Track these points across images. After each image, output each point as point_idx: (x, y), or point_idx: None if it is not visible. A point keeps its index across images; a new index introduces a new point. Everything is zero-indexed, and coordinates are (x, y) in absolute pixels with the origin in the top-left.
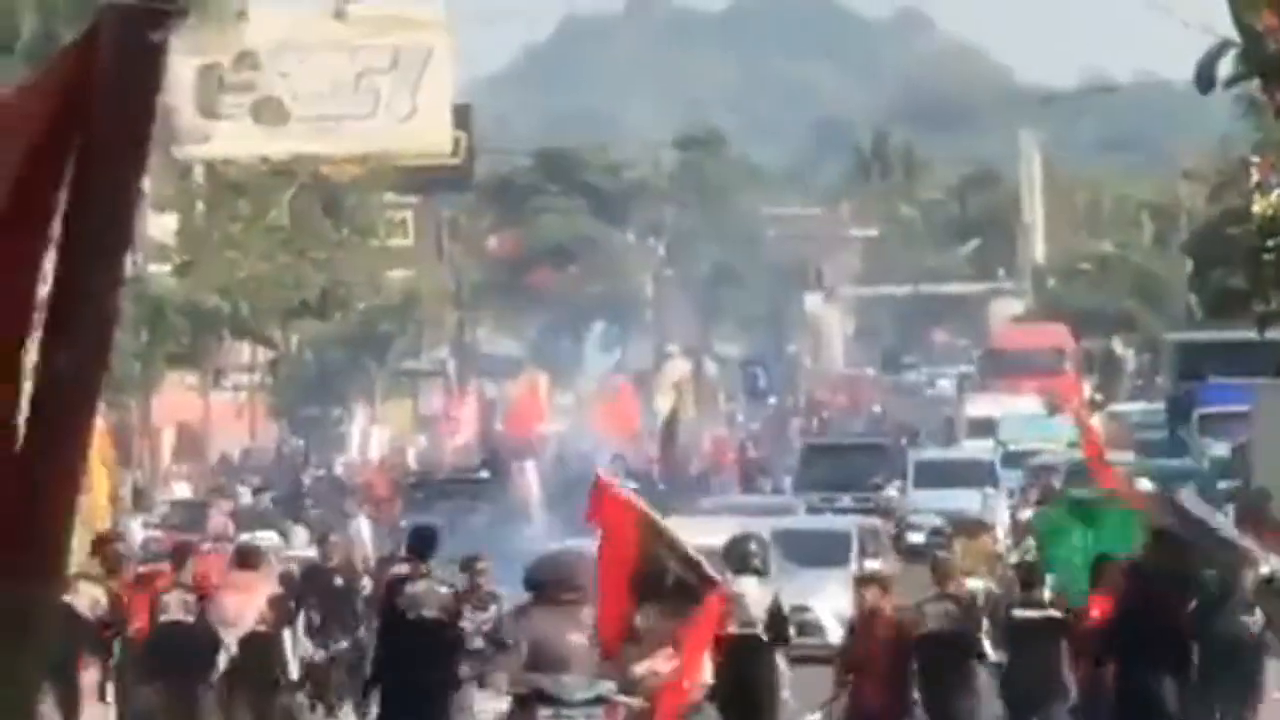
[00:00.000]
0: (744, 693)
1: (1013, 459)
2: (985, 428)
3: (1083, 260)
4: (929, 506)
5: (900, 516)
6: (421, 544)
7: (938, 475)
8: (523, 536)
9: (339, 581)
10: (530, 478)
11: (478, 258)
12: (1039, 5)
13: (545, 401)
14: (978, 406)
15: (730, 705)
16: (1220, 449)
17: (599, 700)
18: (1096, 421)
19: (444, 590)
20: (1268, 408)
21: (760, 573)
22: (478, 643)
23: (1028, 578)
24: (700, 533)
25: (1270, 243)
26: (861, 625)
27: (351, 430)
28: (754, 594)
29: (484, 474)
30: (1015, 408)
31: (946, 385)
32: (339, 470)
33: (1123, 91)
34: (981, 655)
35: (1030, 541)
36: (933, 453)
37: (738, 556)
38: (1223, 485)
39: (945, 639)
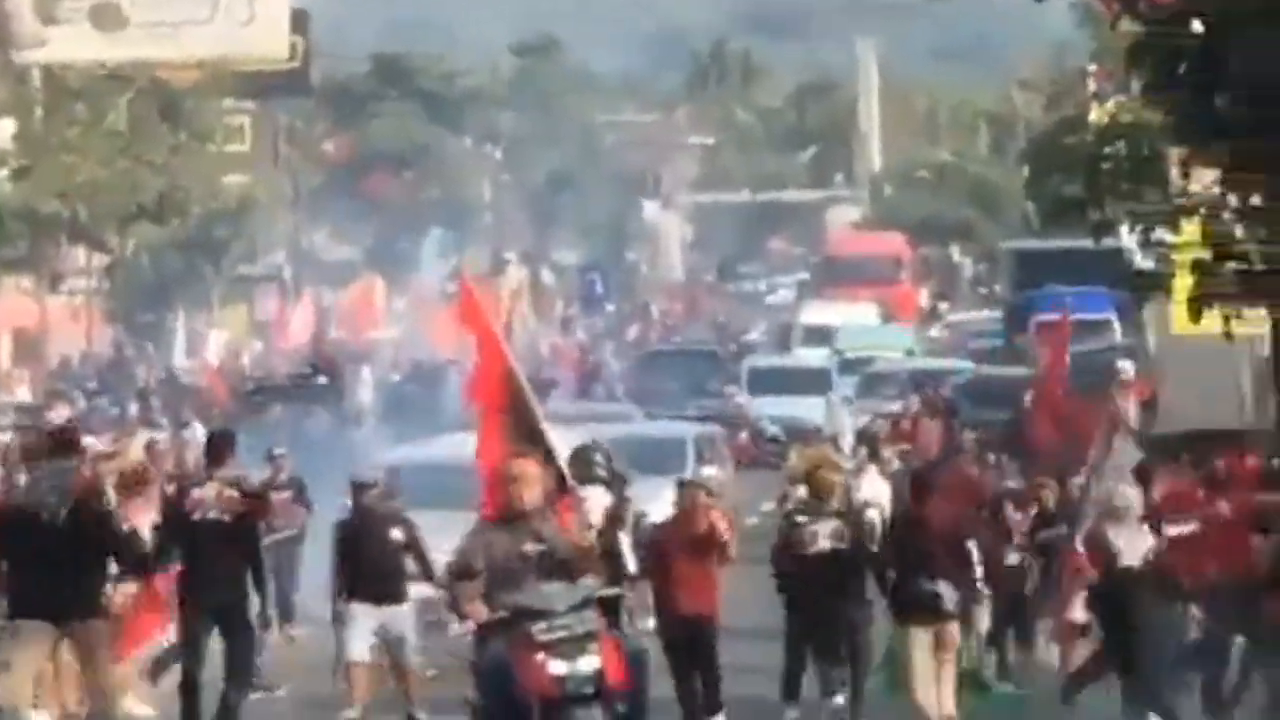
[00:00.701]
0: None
1: (850, 366)
2: (821, 335)
3: (920, 168)
4: (769, 414)
5: (754, 423)
6: (215, 448)
7: (773, 382)
8: (356, 441)
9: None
10: (365, 382)
11: (314, 163)
12: None
13: (381, 307)
14: (812, 314)
15: None
16: None
17: (587, 602)
18: (936, 332)
19: (234, 494)
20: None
21: (606, 483)
22: None
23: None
24: None
25: (1106, 150)
26: (675, 529)
27: (181, 335)
28: (598, 501)
29: (321, 379)
30: (851, 315)
31: (785, 293)
32: (177, 374)
33: None
34: (881, 575)
35: (864, 451)
36: (768, 360)
37: (583, 464)
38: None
39: (839, 558)
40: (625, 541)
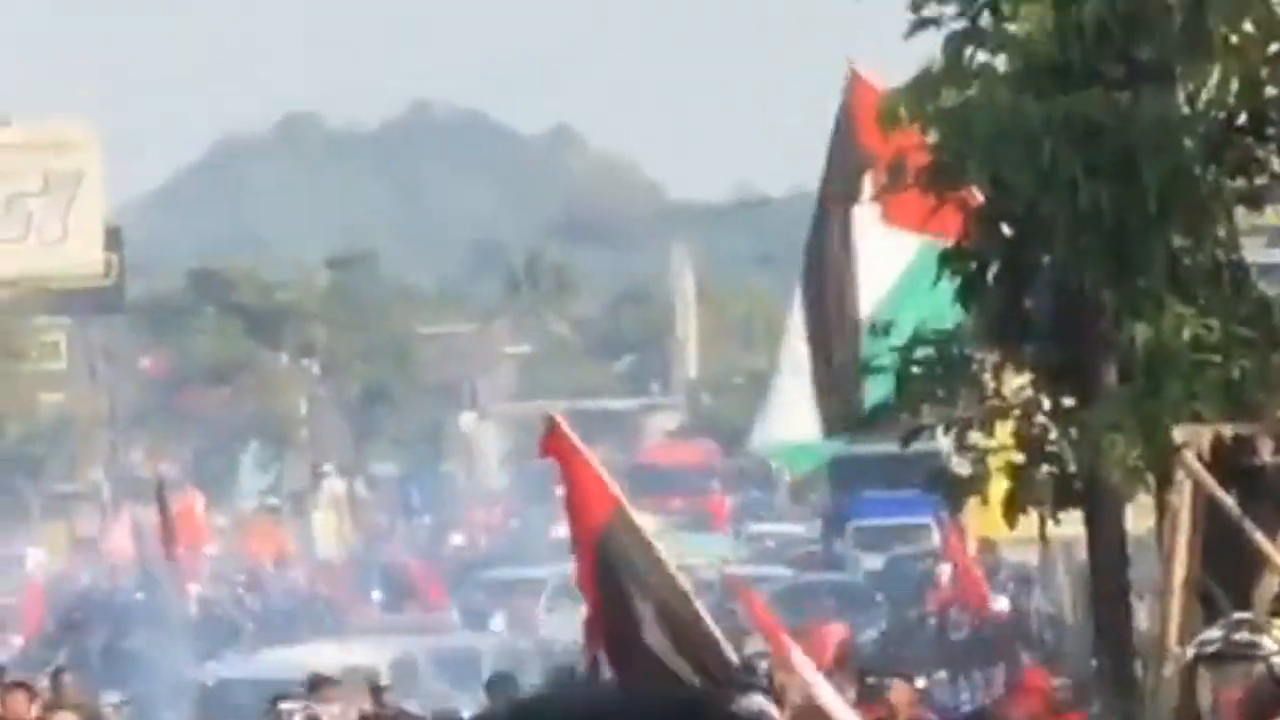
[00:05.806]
0: None
1: None
2: None
3: (737, 374)
4: None
5: None
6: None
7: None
8: (182, 661)
9: None
10: (189, 599)
11: (131, 378)
12: (690, 120)
13: (203, 522)
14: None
15: None
16: (874, 561)
17: None
18: (749, 540)
19: None
20: None
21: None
22: None
23: None
24: (352, 652)
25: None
26: None
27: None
28: None
29: (139, 595)
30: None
31: None
32: None
33: (774, 204)
34: None
35: None
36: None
37: None
38: (879, 598)
39: None
40: None
